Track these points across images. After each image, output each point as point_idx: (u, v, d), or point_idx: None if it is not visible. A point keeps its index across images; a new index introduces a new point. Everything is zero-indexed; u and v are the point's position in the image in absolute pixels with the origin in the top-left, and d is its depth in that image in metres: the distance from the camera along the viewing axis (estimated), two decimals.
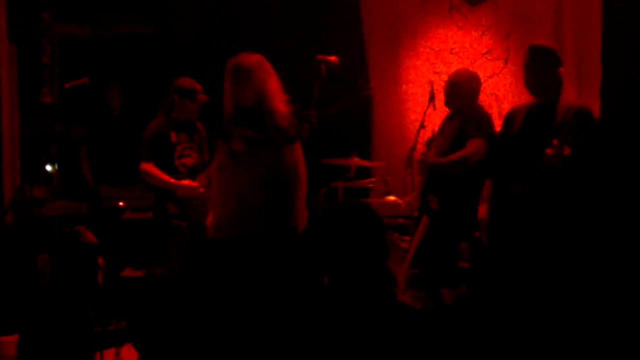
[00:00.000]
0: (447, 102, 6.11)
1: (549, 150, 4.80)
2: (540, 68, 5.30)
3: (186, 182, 6.22)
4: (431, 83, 6.95)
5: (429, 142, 6.11)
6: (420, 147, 6.26)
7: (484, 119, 5.92)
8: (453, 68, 7.52)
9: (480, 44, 7.46)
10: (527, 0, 7.24)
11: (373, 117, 8.25)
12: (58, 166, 7.43)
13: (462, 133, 5.90)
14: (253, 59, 5.76)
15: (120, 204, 7.10)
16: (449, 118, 6.20)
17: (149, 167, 6.20)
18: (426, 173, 5.93)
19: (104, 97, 7.85)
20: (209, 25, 8.67)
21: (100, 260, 5.97)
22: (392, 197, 6.86)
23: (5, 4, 7.64)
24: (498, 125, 5.69)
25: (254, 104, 5.63)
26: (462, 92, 6.02)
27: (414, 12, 7.82)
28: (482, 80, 7.09)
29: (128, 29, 8.71)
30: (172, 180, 6.19)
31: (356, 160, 7.08)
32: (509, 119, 5.56)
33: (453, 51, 7.58)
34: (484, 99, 7.39)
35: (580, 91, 6.92)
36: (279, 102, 5.69)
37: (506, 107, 6.69)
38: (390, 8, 7.98)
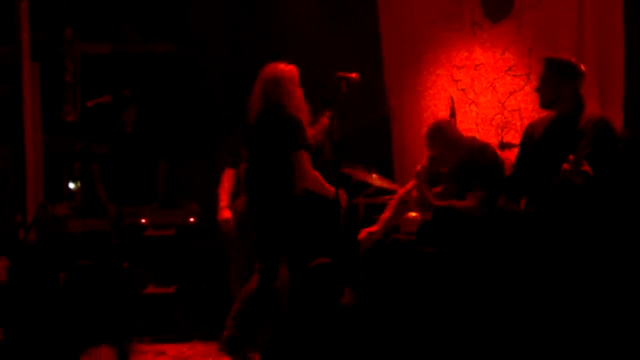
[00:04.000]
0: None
1: (565, 166, 4.76)
2: (553, 81, 5.28)
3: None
4: (451, 99, 6.95)
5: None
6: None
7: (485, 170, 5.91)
8: (477, 85, 7.54)
9: (503, 60, 7.45)
10: (549, 16, 7.22)
11: (393, 135, 8.23)
12: (80, 184, 7.46)
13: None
14: (285, 68, 5.87)
15: (143, 221, 7.11)
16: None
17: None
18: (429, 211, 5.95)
19: (121, 115, 7.88)
20: (229, 45, 8.68)
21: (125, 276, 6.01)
22: (413, 213, 6.83)
23: (28, 23, 7.70)
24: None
25: (286, 114, 5.70)
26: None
27: (435, 29, 7.79)
28: (505, 97, 7.13)
29: (148, 48, 8.73)
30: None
31: (375, 177, 7.09)
32: (529, 132, 5.54)
33: (477, 67, 7.57)
34: (507, 115, 7.39)
35: (603, 105, 6.89)
36: (305, 112, 5.78)
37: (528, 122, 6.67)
38: (410, 24, 7.96)
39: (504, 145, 6.79)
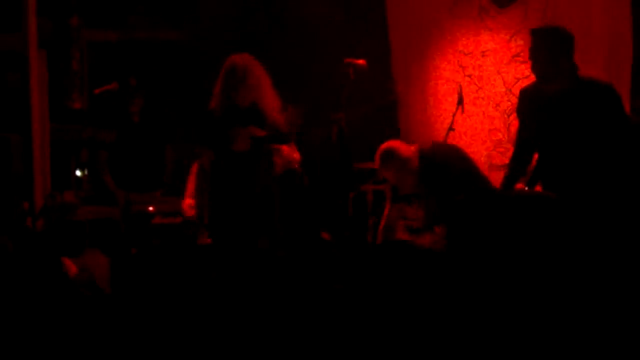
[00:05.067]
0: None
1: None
2: (546, 52, 5.24)
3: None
4: (459, 86, 6.94)
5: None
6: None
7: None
8: (484, 71, 7.52)
9: (510, 47, 7.42)
10: (557, 2, 7.19)
11: (399, 121, 8.22)
12: (88, 171, 7.47)
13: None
14: (247, 59, 5.78)
15: (150, 208, 7.12)
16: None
17: None
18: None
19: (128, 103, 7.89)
20: (235, 32, 8.68)
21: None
22: None
23: (35, 11, 7.70)
24: None
25: (249, 104, 5.65)
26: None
27: (442, 15, 7.77)
28: (513, 82, 7.09)
29: (155, 35, 8.74)
30: None
31: None
32: (526, 103, 5.50)
33: (484, 54, 7.55)
34: (515, 101, 7.37)
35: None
36: (274, 101, 5.71)
37: None
38: (417, 11, 7.94)
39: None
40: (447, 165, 5.42)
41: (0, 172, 7.52)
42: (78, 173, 7.37)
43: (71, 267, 6.30)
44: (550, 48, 5.27)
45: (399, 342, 4.63)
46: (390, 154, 6.06)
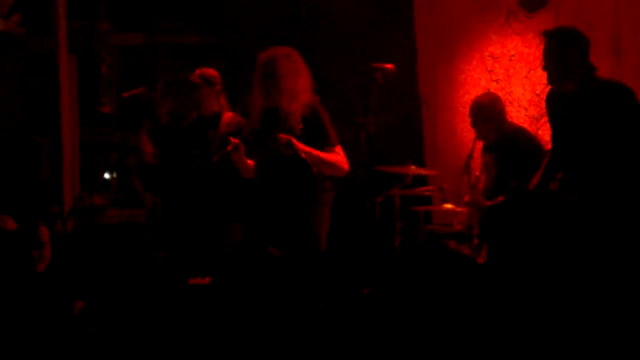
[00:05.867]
0: (478, 134, 6.15)
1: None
2: (555, 54, 5.21)
3: None
4: (488, 90, 6.93)
5: (473, 186, 6.10)
6: (477, 155, 6.28)
7: (522, 158, 5.90)
8: (512, 75, 7.50)
9: (539, 51, 7.38)
10: (586, 6, 7.16)
11: (424, 125, 8.22)
12: (116, 175, 7.52)
13: (502, 170, 5.92)
14: (284, 52, 5.49)
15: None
16: (487, 150, 6.21)
17: None
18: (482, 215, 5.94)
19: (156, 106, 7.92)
20: (264, 35, 8.70)
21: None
22: (449, 205, 6.82)
23: (66, 15, 7.77)
24: None
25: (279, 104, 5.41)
26: (486, 117, 6.06)
27: (470, 19, 7.76)
28: (541, 87, 7.06)
29: (183, 39, 8.77)
30: None
31: (413, 169, 7.04)
32: (552, 106, 5.50)
33: (512, 58, 7.53)
34: (544, 106, 7.34)
35: None
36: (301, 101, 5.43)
37: None
38: (445, 15, 7.94)
39: None
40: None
41: (30, 176, 7.57)
42: (107, 176, 7.42)
43: None
44: (560, 49, 5.23)
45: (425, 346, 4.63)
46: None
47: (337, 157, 5.35)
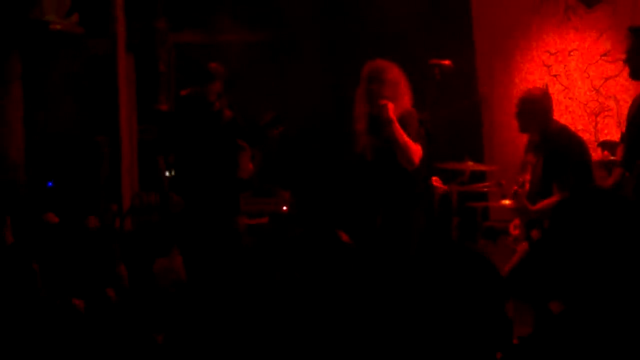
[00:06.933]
0: (521, 126, 6.05)
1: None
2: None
3: None
4: (546, 86, 6.88)
5: (519, 189, 6.01)
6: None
7: (570, 159, 5.80)
8: (571, 70, 7.44)
9: (598, 46, 7.33)
10: None
11: (483, 122, 8.18)
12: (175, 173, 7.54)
13: (547, 173, 5.84)
14: (388, 65, 5.89)
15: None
16: (532, 150, 6.12)
17: None
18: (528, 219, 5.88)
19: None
20: (322, 33, 8.71)
21: None
22: (507, 201, 6.77)
23: (124, 15, 7.83)
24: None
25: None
26: (534, 111, 5.97)
27: (528, 14, 7.72)
28: (600, 82, 6.98)
29: (242, 37, 8.80)
30: None
31: (470, 165, 7.01)
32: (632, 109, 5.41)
33: (571, 53, 7.46)
34: (603, 101, 7.28)
35: None
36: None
37: (625, 109, 6.53)
38: (503, 11, 7.90)
39: (604, 145, 6.65)
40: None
41: (91, 176, 7.66)
42: (166, 174, 7.44)
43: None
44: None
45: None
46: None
47: (415, 147, 5.71)
